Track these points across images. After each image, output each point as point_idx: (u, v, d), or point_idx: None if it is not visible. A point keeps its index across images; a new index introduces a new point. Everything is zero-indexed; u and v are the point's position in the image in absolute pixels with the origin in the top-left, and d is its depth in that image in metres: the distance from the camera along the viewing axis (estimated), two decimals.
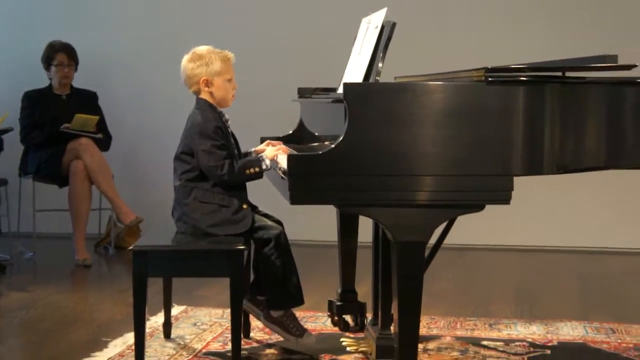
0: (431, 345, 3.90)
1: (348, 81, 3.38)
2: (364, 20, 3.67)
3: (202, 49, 3.61)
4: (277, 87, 5.60)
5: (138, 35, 6.71)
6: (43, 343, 4.06)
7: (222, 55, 3.60)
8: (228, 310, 3.33)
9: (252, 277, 3.72)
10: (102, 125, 6.22)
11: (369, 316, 3.92)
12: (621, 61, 3.32)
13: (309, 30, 6.42)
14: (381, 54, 3.33)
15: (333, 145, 2.93)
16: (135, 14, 6.71)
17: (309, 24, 6.43)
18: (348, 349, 3.75)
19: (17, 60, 6.70)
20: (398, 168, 2.92)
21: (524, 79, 3.01)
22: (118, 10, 6.74)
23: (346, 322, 4.13)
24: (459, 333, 4.12)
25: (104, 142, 6.19)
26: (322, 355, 3.74)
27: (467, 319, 4.37)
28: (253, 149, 3.74)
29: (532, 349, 3.87)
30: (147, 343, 3.41)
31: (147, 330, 3.60)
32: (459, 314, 4.47)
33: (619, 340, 4.01)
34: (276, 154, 3.52)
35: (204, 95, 3.59)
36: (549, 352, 3.84)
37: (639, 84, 3.34)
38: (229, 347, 3.47)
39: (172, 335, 4.01)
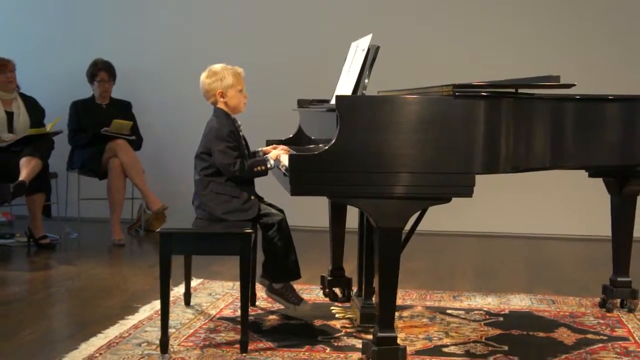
0: (405, 313, 3.89)
1: (339, 94, 3.37)
2: (353, 44, 3.65)
3: (217, 66, 3.58)
4: (281, 98, 5.57)
5: (166, 55, 6.68)
6: (85, 307, 4.05)
7: (233, 70, 3.57)
8: (238, 283, 3.31)
9: (263, 257, 3.70)
10: (135, 129, 6.20)
11: (355, 289, 3.90)
12: (563, 81, 3.32)
13: (307, 53, 6.41)
14: (367, 72, 3.32)
15: (327, 147, 2.92)
16: (163, 38, 6.69)
17: (308, 47, 6.43)
18: (337, 315, 3.73)
19: (66, 75, 6.66)
20: (380, 166, 2.91)
21: (485, 94, 3.00)
22: (150, 33, 6.71)
23: (335, 294, 4.12)
24: (428, 303, 4.10)
25: (136, 143, 6.18)
26: (315, 320, 3.72)
27: (435, 292, 4.36)
28: (260, 149, 3.72)
29: (488, 317, 3.86)
30: (170, 309, 3.39)
31: (171, 298, 3.58)
32: (429, 287, 4.46)
33: (558, 310, 4.01)
34: (279, 155, 3.50)
35: (220, 105, 3.56)
36: (501, 319, 3.83)
37: (577, 100, 3.36)
38: (238, 313, 3.45)
39: (192, 303, 3.99)
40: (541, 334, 3.57)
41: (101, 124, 6.02)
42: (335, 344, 3.37)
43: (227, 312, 3.87)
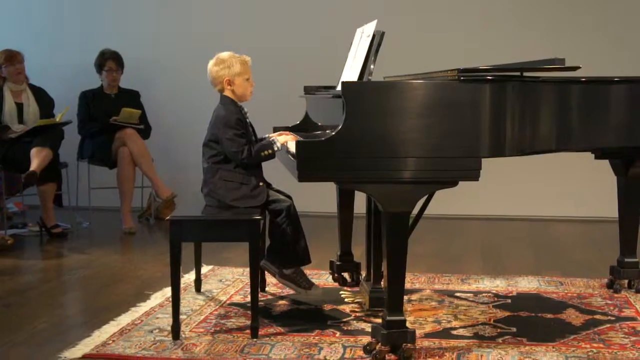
0: (414, 296, 3.89)
1: (345, 80, 3.35)
2: (358, 30, 3.64)
3: (224, 54, 3.57)
4: (287, 85, 5.57)
5: (173, 43, 6.68)
6: (97, 295, 4.07)
7: (240, 59, 3.56)
8: (247, 269, 3.32)
9: (268, 242, 3.70)
10: (143, 118, 6.21)
11: (363, 273, 3.90)
12: (568, 63, 3.30)
13: (313, 39, 6.40)
14: (373, 58, 3.31)
15: (333, 133, 2.91)
16: (171, 26, 6.69)
17: (313, 34, 6.42)
18: (346, 300, 3.73)
19: (75, 65, 6.67)
20: (387, 151, 2.90)
21: (490, 77, 2.99)
22: (157, 22, 6.72)
23: (344, 279, 4.12)
24: (436, 287, 4.10)
25: (145, 131, 6.18)
26: (325, 305, 3.73)
27: (443, 275, 4.36)
28: (267, 136, 3.71)
29: (496, 299, 3.86)
30: (181, 296, 3.40)
31: (182, 285, 3.59)
32: (437, 271, 4.46)
33: (566, 291, 4.00)
34: (286, 141, 3.50)
35: (227, 93, 3.56)
36: (510, 301, 3.83)
37: (583, 82, 3.33)
38: (248, 299, 3.46)
39: (202, 290, 4.01)
40: (549, 315, 3.57)
41: (110, 113, 6.03)
42: (345, 328, 3.37)
43: (238, 298, 3.88)
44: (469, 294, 3.94)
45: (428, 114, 2.91)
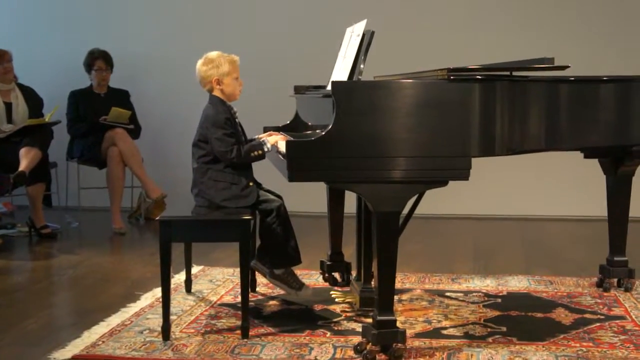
0: (404, 296, 3.89)
1: (335, 79, 3.35)
2: (348, 30, 3.63)
3: (213, 54, 3.56)
4: (277, 84, 5.56)
5: (162, 43, 6.66)
6: (87, 296, 4.05)
7: (229, 58, 3.55)
8: (238, 269, 3.31)
9: (258, 242, 3.69)
10: (133, 118, 6.19)
11: (354, 273, 3.90)
12: (557, 63, 3.30)
13: (303, 39, 6.39)
14: (362, 57, 3.31)
15: (323, 133, 2.91)
16: (160, 26, 6.68)
17: (304, 34, 6.41)
18: (337, 300, 3.73)
19: (64, 65, 6.64)
20: (376, 151, 2.90)
21: (479, 77, 2.99)
22: (147, 23, 6.70)
23: (335, 278, 4.12)
24: (427, 286, 4.10)
25: (135, 131, 6.16)
26: (316, 305, 3.73)
27: (434, 274, 4.36)
28: (257, 137, 3.70)
29: (486, 298, 3.86)
30: (172, 296, 3.39)
31: (172, 285, 3.57)
32: (427, 270, 4.46)
33: (555, 290, 4.01)
34: (277, 141, 3.49)
35: (216, 92, 3.55)
36: (500, 300, 3.84)
37: (572, 81, 3.34)
38: (239, 299, 3.45)
39: (192, 290, 3.99)
40: (539, 315, 3.58)
41: (99, 113, 6.02)
42: (336, 328, 3.37)
43: (228, 299, 3.87)
44: (459, 294, 3.94)
45: (418, 114, 2.91)
